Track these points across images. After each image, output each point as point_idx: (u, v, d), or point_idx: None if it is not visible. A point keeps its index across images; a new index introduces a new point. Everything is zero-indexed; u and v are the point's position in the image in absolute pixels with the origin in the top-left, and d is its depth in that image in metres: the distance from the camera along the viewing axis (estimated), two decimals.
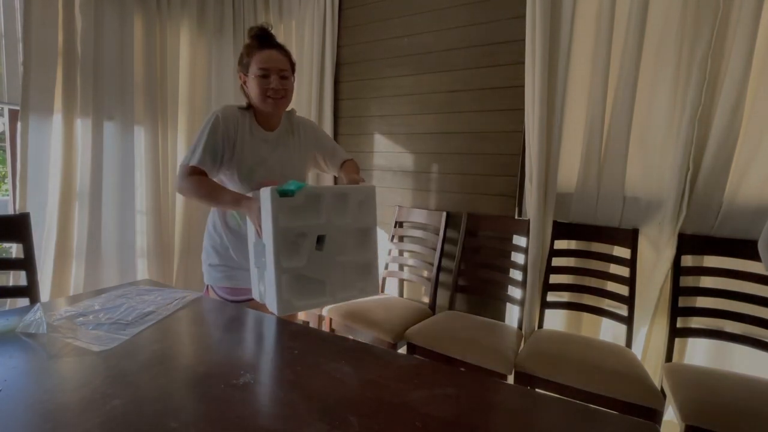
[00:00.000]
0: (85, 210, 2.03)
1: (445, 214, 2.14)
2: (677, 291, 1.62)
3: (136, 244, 2.28)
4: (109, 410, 0.62)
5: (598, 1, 1.73)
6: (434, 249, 2.13)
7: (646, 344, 1.70)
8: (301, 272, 1.04)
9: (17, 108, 1.80)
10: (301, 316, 2.13)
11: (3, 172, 2.20)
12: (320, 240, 1.08)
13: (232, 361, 0.81)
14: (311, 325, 2.11)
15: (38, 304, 1.02)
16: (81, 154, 2.01)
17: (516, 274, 1.91)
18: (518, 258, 1.93)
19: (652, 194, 1.71)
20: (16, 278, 1.77)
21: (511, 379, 1.54)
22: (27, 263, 1.38)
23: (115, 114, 2.16)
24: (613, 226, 1.79)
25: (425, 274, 2.16)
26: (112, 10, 2.09)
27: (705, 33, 1.51)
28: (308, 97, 2.60)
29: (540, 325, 1.83)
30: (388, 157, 2.41)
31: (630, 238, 1.72)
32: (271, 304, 1.03)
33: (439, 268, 2.09)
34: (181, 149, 2.44)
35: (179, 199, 2.47)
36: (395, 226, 2.33)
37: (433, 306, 2.08)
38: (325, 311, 1.96)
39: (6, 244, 1.76)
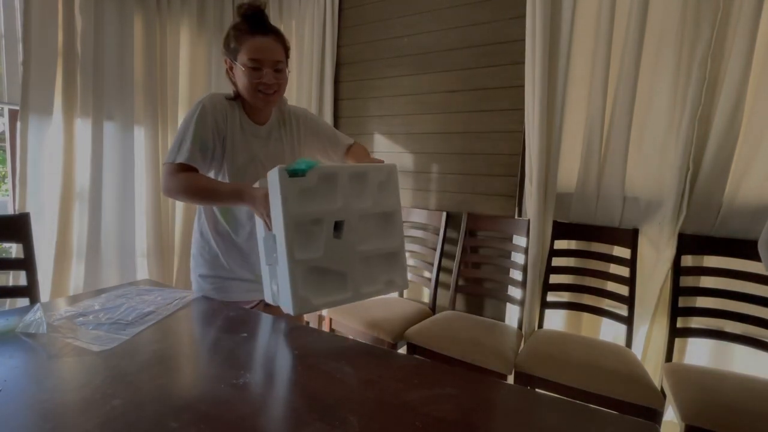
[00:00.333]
0: (85, 210, 2.04)
1: (445, 214, 2.14)
2: (677, 291, 1.62)
3: (136, 244, 2.28)
4: (109, 410, 0.62)
5: (598, 1, 1.73)
6: (434, 249, 2.13)
7: (646, 344, 1.70)
8: (317, 264, 0.93)
9: (17, 108, 1.80)
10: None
11: (3, 172, 2.20)
12: (338, 226, 0.97)
13: (232, 361, 0.81)
14: (311, 325, 2.11)
15: (38, 304, 1.02)
16: (81, 154, 2.01)
17: (516, 274, 1.91)
18: (518, 258, 1.93)
19: (652, 194, 1.71)
20: (16, 278, 1.77)
21: (511, 379, 1.54)
22: (27, 263, 1.38)
23: (115, 114, 2.16)
24: (613, 226, 1.79)
25: (425, 274, 2.16)
26: (112, 9, 2.09)
27: (705, 33, 1.51)
28: (308, 98, 2.60)
29: (540, 325, 1.83)
30: (388, 157, 2.41)
31: (630, 238, 1.72)
32: (286, 304, 0.93)
33: (439, 268, 2.09)
34: None
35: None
36: None
37: (433, 306, 2.08)
38: (325, 311, 1.96)
39: (6, 244, 1.76)
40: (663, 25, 1.63)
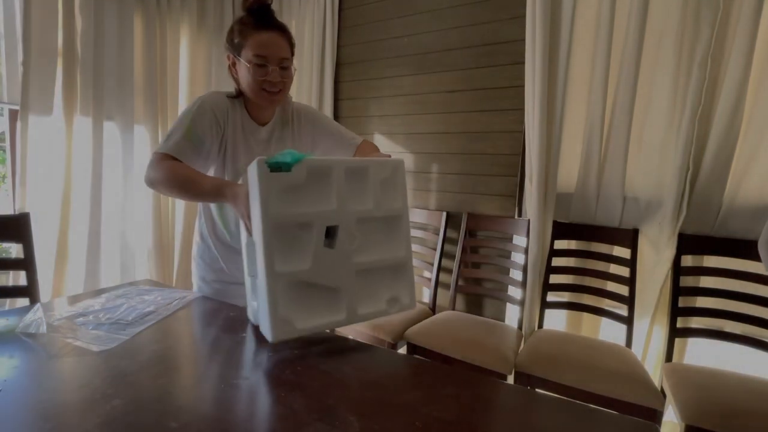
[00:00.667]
0: (85, 210, 2.04)
1: (445, 214, 2.14)
2: (677, 291, 1.62)
3: (136, 245, 2.28)
4: (109, 410, 0.62)
5: (598, 1, 1.73)
6: (434, 249, 2.13)
7: (646, 344, 1.70)
8: (304, 278, 0.78)
9: (17, 108, 1.80)
10: None
11: (3, 173, 2.20)
12: (330, 233, 0.83)
13: (232, 361, 0.81)
14: None
15: (38, 304, 1.02)
16: (81, 154, 2.01)
17: (516, 274, 1.91)
18: (518, 258, 1.93)
19: (652, 194, 1.71)
20: (16, 278, 1.77)
21: (511, 379, 1.54)
22: (27, 263, 1.38)
23: (115, 114, 2.16)
24: (613, 226, 1.79)
25: (425, 274, 2.16)
26: (112, 10, 2.09)
27: (705, 33, 1.51)
28: (308, 98, 2.60)
29: (540, 325, 1.83)
30: None
31: (630, 238, 1.72)
32: (264, 326, 0.79)
33: (439, 268, 2.09)
34: None
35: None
36: None
37: (433, 306, 2.08)
38: None
39: (6, 244, 1.76)
40: (663, 25, 1.63)
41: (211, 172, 1.13)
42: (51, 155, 1.92)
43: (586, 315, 1.86)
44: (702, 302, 1.60)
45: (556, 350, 1.53)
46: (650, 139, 1.70)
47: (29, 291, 1.37)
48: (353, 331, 1.85)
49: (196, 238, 1.23)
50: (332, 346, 0.92)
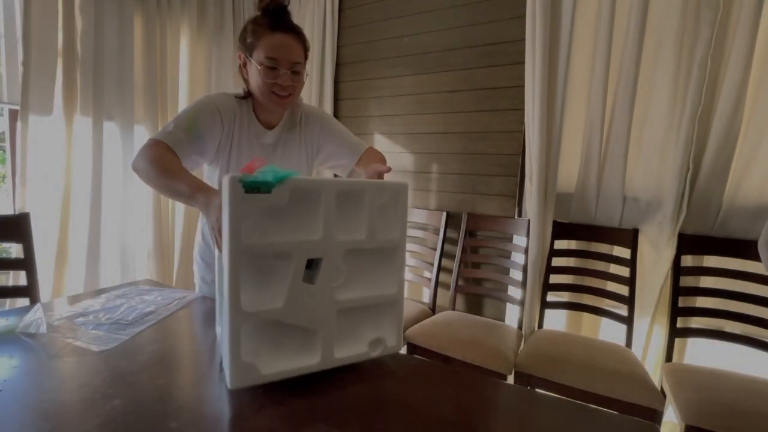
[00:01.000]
0: (85, 210, 2.04)
1: (445, 214, 2.14)
2: (677, 291, 1.62)
3: (136, 245, 2.28)
4: (109, 410, 0.62)
5: (598, 1, 1.73)
6: (434, 249, 2.13)
7: (646, 344, 1.70)
8: (275, 317, 0.68)
9: (17, 108, 1.80)
10: None
11: (3, 173, 2.20)
12: (312, 264, 0.71)
13: None
14: None
15: (38, 304, 1.02)
16: (81, 154, 2.01)
17: (516, 274, 1.91)
18: (518, 258, 1.93)
19: (652, 194, 1.71)
20: (16, 278, 1.77)
21: (511, 379, 1.54)
22: (27, 263, 1.38)
23: (115, 114, 2.16)
24: (613, 226, 1.79)
25: (425, 274, 2.16)
26: (112, 10, 2.09)
27: (705, 33, 1.51)
28: (308, 98, 2.60)
29: (540, 325, 1.83)
30: (388, 157, 2.39)
31: (630, 238, 1.72)
32: (225, 367, 0.68)
33: (439, 268, 2.09)
34: None
35: None
36: None
37: (433, 306, 2.08)
38: None
39: (6, 244, 1.76)
40: (663, 25, 1.63)
41: (214, 176, 1.11)
42: (51, 155, 1.92)
43: (586, 315, 1.86)
44: (702, 302, 1.60)
45: (556, 350, 1.53)
46: (650, 139, 1.70)
47: (29, 291, 1.37)
48: None
49: (197, 238, 1.23)
50: None
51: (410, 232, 2.29)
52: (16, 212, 1.80)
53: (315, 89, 2.57)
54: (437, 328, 1.74)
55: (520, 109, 1.94)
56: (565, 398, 1.18)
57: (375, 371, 0.80)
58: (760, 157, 1.52)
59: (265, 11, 0.97)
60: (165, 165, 0.90)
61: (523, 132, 1.95)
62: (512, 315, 2.01)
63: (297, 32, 1.01)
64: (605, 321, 1.78)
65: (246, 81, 1.06)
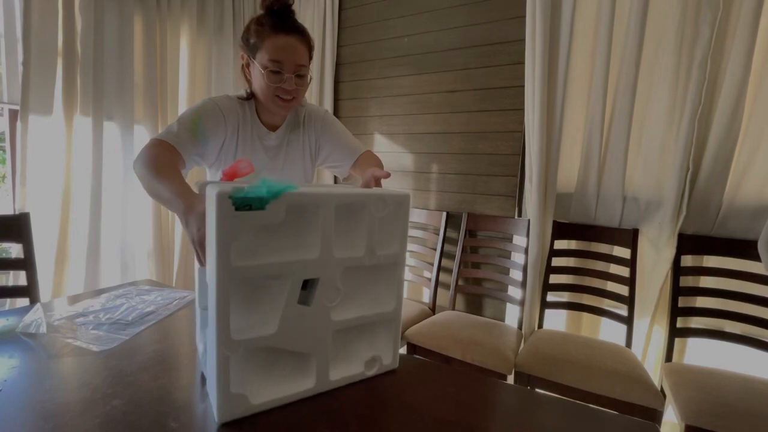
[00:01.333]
0: (85, 210, 2.04)
1: (445, 214, 2.14)
2: (677, 291, 1.62)
3: (136, 244, 2.28)
4: (109, 410, 0.62)
5: (598, 1, 1.73)
6: (434, 249, 2.13)
7: (646, 344, 1.70)
8: (267, 345, 0.62)
9: (17, 108, 1.80)
10: None
11: (3, 173, 2.20)
12: (307, 285, 0.66)
13: None
14: None
15: (38, 304, 1.02)
16: (81, 154, 2.01)
17: (516, 274, 1.91)
18: (518, 258, 1.93)
19: (652, 194, 1.71)
20: (16, 278, 1.77)
21: (511, 379, 1.54)
22: (27, 263, 1.39)
23: (115, 114, 2.16)
24: (613, 226, 1.79)
25: (425, 274, 2.16)
26: (112, 10, 2.09)
27: (705, 33, 1.51)
28: (308, 98, 2.60)
29: (540, 325, 1.83)
30: (388, 157, 2.41)
31: (630, 238, 1.72)
32: (211, 397, 0.62)
33: (439, 268, 2.10)
34: None
35: None
36: None
37: (433, 306, 2.08)
38: None
39: (6, 244, 1.76)
40: (663, 25, 1.63)
41: (216, 180, 1.09)
42: (51, 155, 1.92)
43: (586, 315, 1.86)
44: (702, 302, 1.60)
45: (556, 350, 1.53)
46: (650, 139, 1.70)
47: (29, 291, 1.37)
48: None
49: None
50: None
51: (410, 232, 2.28)
52: (16, 212, 1.80)
53: (315, 89, 2.57)
54: (437, 328, 1.74)
55: (520, 109, 1.94)
56: (565, 398, 1.18)
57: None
58: (760, 157, 1.52)
59: (269, 11, 0.94)
60: (158, 167, 0.83)
61: (523, 132, 1.95)
62: (512, 315, 2.01)
63: (301, 32, 0.98)
64: (605, 321, 1.78)
65: (249, 82, 1.04)
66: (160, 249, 2.35)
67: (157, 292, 1.18)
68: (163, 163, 0.85)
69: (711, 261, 1.63)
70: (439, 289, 2.10)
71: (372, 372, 0.76)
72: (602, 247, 1.81)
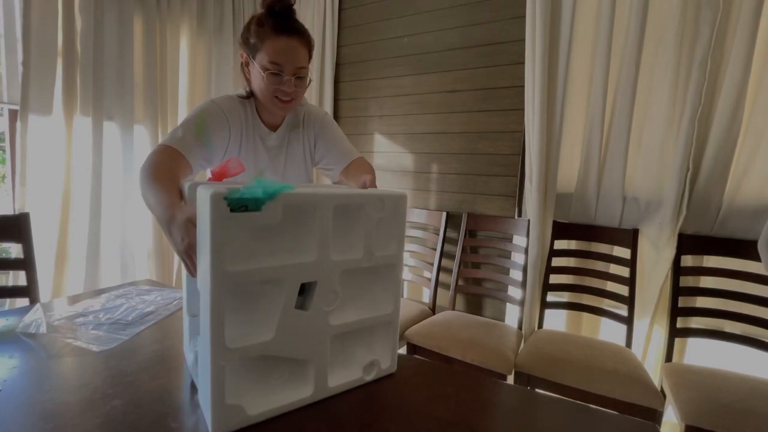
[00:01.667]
0: (85, 210, 2.04)
1: (445, 214, 2.14)
2: (677, 291, 1.62)
3: (135, 245, 2.28)
4: (109, 410, 0.62)
5: (598, 1, 1.73)
6: (434, 249, 2.13)
7: (646, 344, 1.70)
8: (264, 352, 0.60)
9: (17, 108, 1.80)
10: None
11: (3, 173, 2.20)
12: (304, 289, 0.64)
13: None
14: None
15: (38, 304, 1.02)
16: (81, 154, 2.01)
17: (516, 274, 1.91)
18: (518, 258, 1.93)
19: (652, 194, 1.71)
20: (16, 278, 1.77)
21: (511, 379, 1.54)
22: (27, 263, 1.39)
23: (115, 114, 2.16)
24: (613, 227, 1.79)
25: (425, 274, 2.16)
26: (112, 10, 2.09)
27: (705, 33, 1.51)
28: (308, 98, 2.59)
29: (540, 325, 1.83)
30: (388, 157, 2.41)
31: (630, 238, 1.72)
32: (205, 408, 0.60)
33: (439, 268, 2.09)
34: None
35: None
36: None
37: (433, 306, 2.08)
38: None
39: (6, 244, 1.76)
40: (663, 25, 1.63)
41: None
42: (51, 155, 1.92)
43: (586, 315, 1.86)
44: (702, 302, 1.60)
45: (556, 350, 1.53)
46: (650, 139, 1.70)
47: (29, 291, 1.37)
48: None
49: None
50: None
51: (410, 232, 2.29)
52: (16, 212, 1.80)
53: (315, 89, 2.57)
54: (437, 328, 1.73)
55: (520, 109, 1.94)
56: (565, 398, 1.18)
57: None
58: (760, 158, 1.52)
59: (270, 11, 0.93)
60: (154, 173, 0.81)
61: (523, 132, 1.95)
62: (512, 315, 2.01)
63: (302, 33, 0.97)
64: (605, 321, 1.78)
65: (248, 81, 1.04)
66: (160, 249, 2.35)
67: (157, 292, 1.18)
68: (162, 170, 0.83)
69: (711, 261, 1.63)
70: (439, 289, 2.10)
71: (370, 377, 0.75)
72: (602, 247, 1.81)
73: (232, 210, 0.53)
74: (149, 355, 0.80)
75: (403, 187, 2.36)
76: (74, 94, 1.96)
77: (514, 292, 1.92)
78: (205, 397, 0.59)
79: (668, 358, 1.58)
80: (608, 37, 1.70)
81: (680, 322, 1.60)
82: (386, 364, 0.77)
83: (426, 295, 2.17)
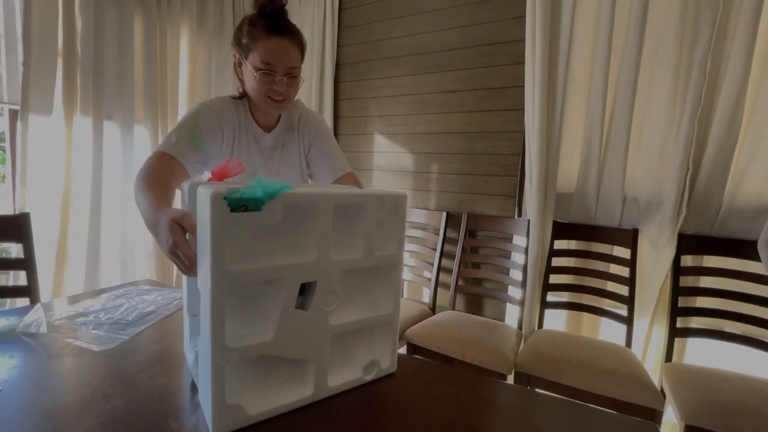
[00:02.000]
0: (85, 210, 2.04)
1: (445, 214, 2.14)
2: (677, 291, 1.62)
3: (136, 244, 2.28)
4: (109, 410, 0.62)
5: (598, 1, 1.73)
6: (434, 249, 2.13)
7: (646, 344, 1.70)
8: (265, 352, 0.60)
9: (17, 108, 1.80)
10: None
11: (3, 173, 2.20)
12: (304, 289, 0.64)
13: None
14: None
15: (38, 304, 1.02)
16: (81, 153, 2.01)
17: (516, 274, 1.91)
18: (518, 258, 1.93)
19: (652, 194, 1.71)
20: (16, 278, 1.77)
21: (511, 379, 1.54)
22: (27, 263, 1.38)
23: (115, 114, 2.16)
24: (613, 226, 1.79)
25: (425, 274, 2.16)
26: (112, 10, 2.09)
27: (705, 33, 1.51)
28: (308, 97, 2.60)
29: (540, 325, 1.83)
30: (387, 157, 2.41)
31: (630, 238, 1.72)
32: (206, 408, 0.60)
33: (439, 268, 2.09)
34: None
35: (179, 197, 2.47)
36: None
37: (433, 306, 2.08)
38: None
39: (6, 244, 1.76)
40: (663, 25, 1.63)
41: None
42: (51, 155, 1.92)
43: (586, 315, 1.86)
44: (702, 302, 1.60)
45: (556, 350, 1.53)
46: (650, 139, 1.70)
47: (29, 291, 1.37)
48: None
49: None
50: None
51: (410, 232, 2.29)
52: (16, 212, 1.79)
53: (315, 89, 2.57)
54: (437, 328, 1.73)
55: (520, 109, 1.94)
56: (565, 398, 1.18)
57: None
58: (760, 158, 1.52)
59: (262, 12, 0.94)
60: (146, 178, 0.83)
61: (523, 132, 1.95)
62: (512, 315, 2.01)
63: (294, 33, 0.98)
64: (605, 321, 1.78)
65: (241, 81, 1.04)
66: (159, 249, 2.34)
67: (157, 292, 1.18)
68: (154, 176, 0.84)
69: (711, 261, 1.63)
70: (439, 289, 2.10)
71: (370, 377, 0.75)
72: (602, 247, 1.81)
73: (232, 210, 0.53)
74: (149, 355, 0.80)
75: (403, 187, 2.36)
76: (74, 94, 1.96)
77: (514, 292, 1.92)
78: (205, 397, 0.59)
79: (668, 358, 1.58)
80: (608, 37, 1.70)
81: (680, 322, 1.60)
82: (386, 364, 0.77)
83: (426, 295, 2.17)
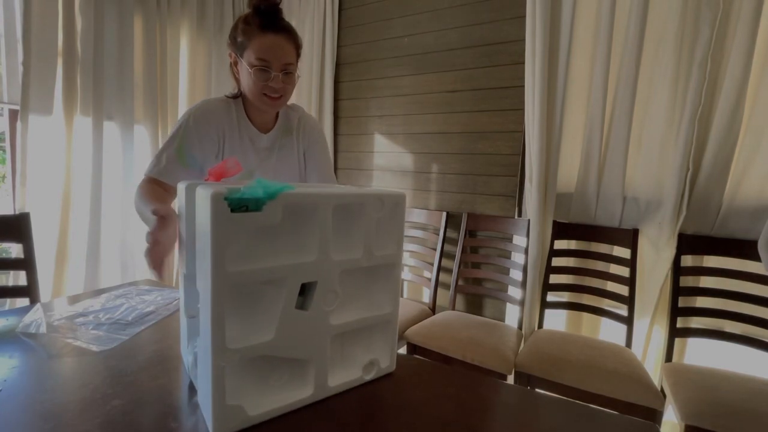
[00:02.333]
0: (85, 210, 2.03)
1: (445, 214, 2.14)
2: (677, 291, 1.62)
3: (135, 245, 2.28)
4: (109, 410, 0.62)
5: (598, 1, 1.73)
6: (434, 249, 2.13)
7: (646, 344, 1.70)
8: (264, 353, 0.60)
9: (17, 108, 1.80)
10: None
11: (3, 173, 2.20)
12: (304, 289, 0.64)
13: None
14: None
15: (38, 304, 1.02)
16: (81, 154, 2.01)
17: (516, 274, 1.91)
18: (518, 258, 1.93)
19: (652, 194, 1.71)
20: (16, 278, 1.77)
21: (511, 379, 1.54)
22: (27, 263, 1.38)
23: (115, 114, 2.16)
24: (613, 226, 1.79)
25: (425, 274, 2.16)
26: (112, 10, 2.09)
27: (705, 33, 1.51)
28: (308, 97, 2.60)
29: (540, 325, 1.83)
30: (387, 157, 2.41)
31: (630, 238, 1.72)
32: (205, 409, 0.60)
33: (439, 268, 2.10)
34: None
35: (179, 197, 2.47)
36: None
37: (433, 306, 2.08)
38: None
39: (6, 244, 1.76)
40: (663, 25, 1.63)
41: None
42: (51, 155, 1.91)
43: (586, 315, 1.86)
44: (702, 302, 1.60)
45: (556, 350, 1.53)
46: (650, 139, 1.70)
47: (29, 291, 1.37)
48: None
49: None
50: None
51: (410, 232, 2.29)
52: (16, 212, 1.79)
53: (315, 89, 2.57)
54: (437, 328, 1.73)
55: (520, 109, 1.94)
56: (565, 398, 1.18)
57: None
58: (760, 158, 1.52)
59: (256, 10, 0.95)
60: (147, 198, 0.90)
61: (523, 132, 1.95)
62: (512, 315, 2.01)
63: (288, 31, 0.99)
64: (605, 321, 1.78)
65: (237, 81, 1.05)
66: None
67: (157, 292, 1.18)
68: (149, 194, 0.92)
69: (711, 261, 1.63)
70: (439, 289, 2.10)
71: (370, 376, 0.75)
72: (602, 247, 1.81)
73: (232, 210, 0.53)
74: (149, 355, 0.80)
75: (403, 187, 2.36)
76: (74, 94, 1.96)
77: (514, 292, 1.92)
78: (205, 398, 0.59)
79: (668, 358, 1.58)
80: (608, 37, 1.70)
81: (680, 322, 1.60)
82: (385, 364, 0.77)
83: (426, 295, 2.17)
